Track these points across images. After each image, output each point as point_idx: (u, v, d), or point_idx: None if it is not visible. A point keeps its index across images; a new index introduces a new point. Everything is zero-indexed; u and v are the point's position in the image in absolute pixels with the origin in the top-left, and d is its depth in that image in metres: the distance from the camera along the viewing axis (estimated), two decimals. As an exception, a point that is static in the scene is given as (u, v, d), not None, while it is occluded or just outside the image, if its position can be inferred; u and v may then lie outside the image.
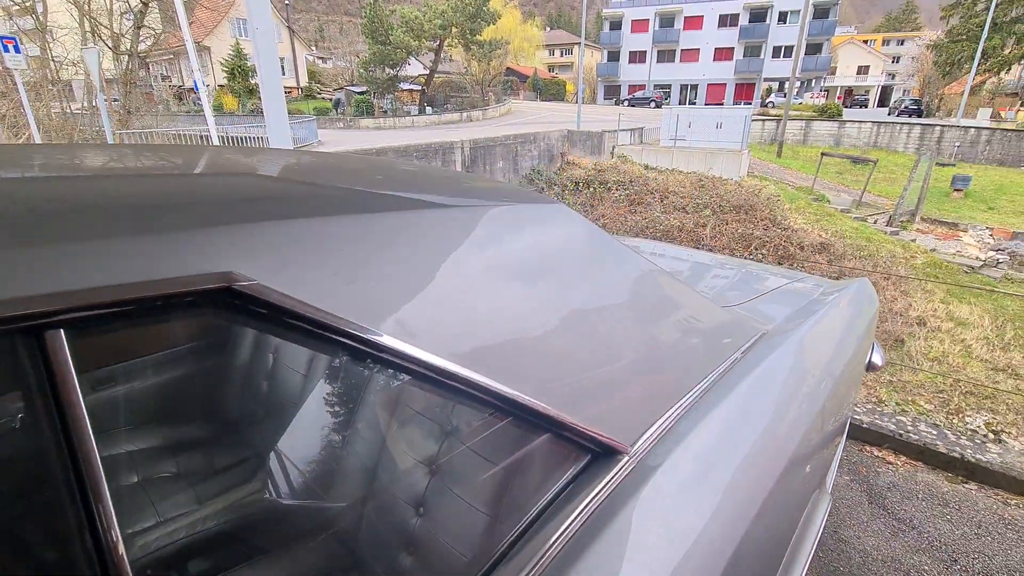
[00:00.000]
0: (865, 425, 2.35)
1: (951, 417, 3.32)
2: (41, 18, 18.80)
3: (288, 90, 40.84)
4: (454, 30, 27.86)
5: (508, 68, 49.76)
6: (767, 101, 38.99)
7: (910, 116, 33.06)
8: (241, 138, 15.37)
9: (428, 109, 28.73)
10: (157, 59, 36.28)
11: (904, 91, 51.95)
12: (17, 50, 12.36)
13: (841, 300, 1.61)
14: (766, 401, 0.98)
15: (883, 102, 50.30)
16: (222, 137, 14.56)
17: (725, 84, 45.09)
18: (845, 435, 1.82)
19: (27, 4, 19.91)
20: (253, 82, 34.33)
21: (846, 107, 37.71)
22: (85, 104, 20.48)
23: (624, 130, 17.16)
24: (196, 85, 24.42)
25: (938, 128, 26.85)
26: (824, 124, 28.20)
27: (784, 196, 15.00)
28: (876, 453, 2.24)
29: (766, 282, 1.78)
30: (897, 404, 3.11)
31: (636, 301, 0.90)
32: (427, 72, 29.96)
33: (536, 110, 34.28)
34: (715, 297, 1.57)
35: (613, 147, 16.57)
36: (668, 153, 16.03)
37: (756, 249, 12.25)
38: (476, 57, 29.42)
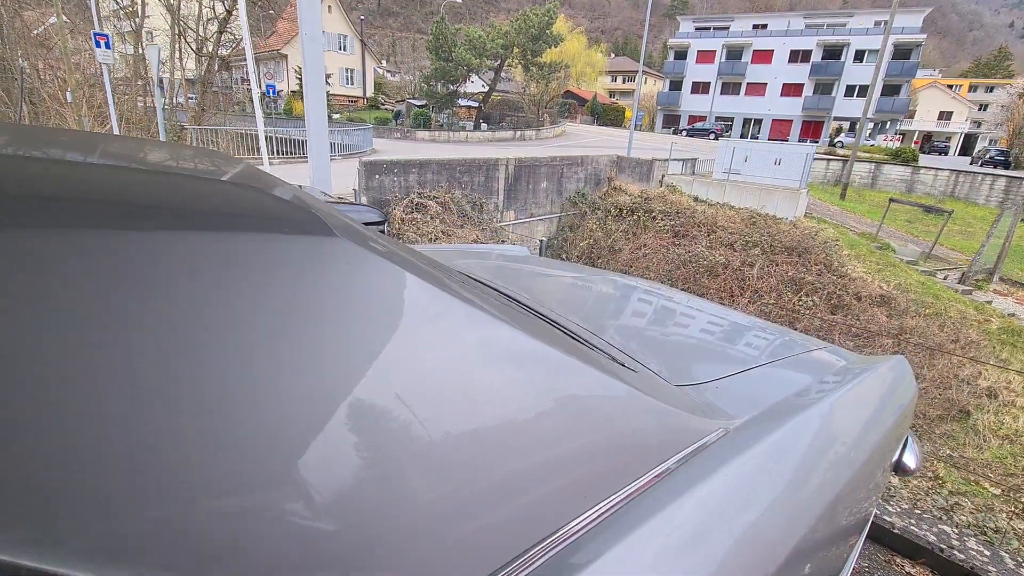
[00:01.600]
0: (897, 529, 1.92)
1: (1015, 520, 2.76)
2: (138, 20, 20.37)
3: (354, 99, 42.69)
4: (515, 51, 28.29)
5: (568, 91, 50.12)
6: (836, 140, 37.25)
7: (995, 167, 30.65)
8: (292, 139, 15.95)
9: (483, 125, 29.16)
10: (239, 64, 38.87)
11: (991, 140, 48.48)
12: (108, 46, 13.24)
13: (865, 382, 1.25)
14: (713, 534, 0.67)
15: (965, 151, 47.14)
16: (270, 137, 15.15)
17: (792, 121, 43.56)
18: (863, 537, 1.43)
19: (132, 8, 21.72)
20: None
21: (923, 153, 35.52)
22: (166, 101, 21.98)
23: (676, 159, 16.66)
24: (257, 88, 25.83)
25: (1027, 182, 24.72)
26: (896, 168, 26.54)
27: (844, 241, 14.04)
28: (908, 569, 1.81)
29: (769, 348, 1.44)
30: (953, 485, 2.59)
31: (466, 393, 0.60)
32: (485, 90, 30.49)
33: (591, 134, 34.16)
34: (687, 359, 1.26)
35: (663, 176, 16.10)
36: (720, 186, 15.41)
37: (807, 295, 11.44)
38: (535, 78, 29.72)
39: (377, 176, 10.53)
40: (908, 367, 1.42)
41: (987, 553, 1.88)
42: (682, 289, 12.47)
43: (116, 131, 14.78)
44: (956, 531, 1.99)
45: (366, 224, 3.56)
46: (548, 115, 31.91)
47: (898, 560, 1.86)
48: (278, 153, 15.45)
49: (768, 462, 0.83)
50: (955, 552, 1.83)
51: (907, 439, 1.41)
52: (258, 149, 11.51)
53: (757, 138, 41.78)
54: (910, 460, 1.38)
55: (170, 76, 22.56)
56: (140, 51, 21.36)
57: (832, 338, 10.67)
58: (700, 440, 0.78)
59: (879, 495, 1.43)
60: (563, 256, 14.78)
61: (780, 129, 43.86)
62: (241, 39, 23.12)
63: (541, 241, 11.16)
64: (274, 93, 23.22)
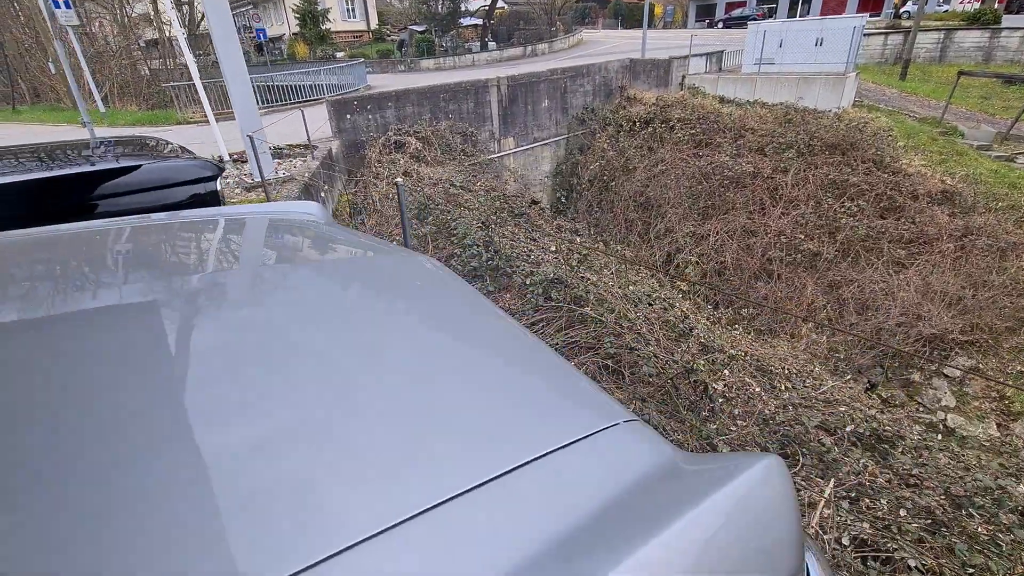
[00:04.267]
0: None
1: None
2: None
3: (358, 34, 40.44)
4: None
5: (588, -7, 45.37)
6: (901, 11, 31.95)
7: (1103, 17, 25.46)
8: (279, 87, 14.96)
9: (490, 45, 26.84)
10: (239, 11, 37.17)
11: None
12: (68, 5, 12.46)
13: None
14: None
15: (1066, 2, 39.68)
16: (261, 87, 14.25)
17: (847, -8, 37.74)
18: None
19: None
20: (324, 28, 34.18)
21: (1008, 13, 30.05)
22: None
23: (697, 55, 14.53)
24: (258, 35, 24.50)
25: None
26: (971, 34, 22.37)
27: (900, 130, 12.02)
28: None
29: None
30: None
31: None
32: (488, 4, 27.76)
33: (613, 39, 30.94)
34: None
35: (683, 77, 14.15)
36: (750, 82, 13.38)
37: (851, 200, 9.92)
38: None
39: (348, 116, 9.58)
40: (783, 471, 0.61)
41: None
42: (704, 207, 11.20)
43: (99, 102, 14.33)
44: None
45: (181, 184, 2.73)
46: (562, 23, 28.93)
47: None
48: (266, 102, 14.58)
49: None
50: None
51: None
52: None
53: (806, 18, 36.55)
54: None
55: (159, 35, 21.68)
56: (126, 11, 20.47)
57: (880, 247, 9.28)
58: None
59: None
60: (574, 181, 13.56)
61: (834, 5, 38.21)
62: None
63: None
64: (265, 38, 21.97)
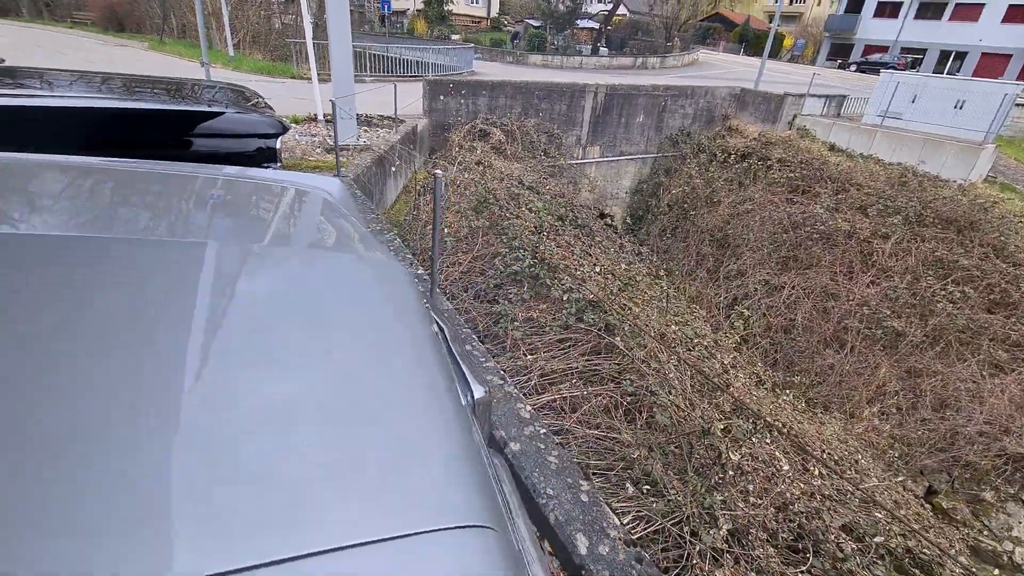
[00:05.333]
0: None
1: None
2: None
3: (477, 20, 41.40)
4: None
5: (717, 13, 43.67)
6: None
7: None
8: (389, 58, 15.51)
9: (602, 49, 26.47)
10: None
11: None
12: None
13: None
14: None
15: None
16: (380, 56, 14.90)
17: (1010, 56, 33.77)
18: None
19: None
20: (446, 8, 35.24)
21: None
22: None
23: (816, 96, 13.52)
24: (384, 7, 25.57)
25: None
26: None
27: (1036, 218, 10.58)
28: None
29: None
30: None
31: None
32: (608, 8, 27.36)
33: (730, 63, 29.59)
34: None
35: (794, 116, 13.23)
36: (869, 134, 12.28)
37: (955, 284, 8.87)
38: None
39: (442, 97, 9.78)
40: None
41: None
42: (785, 257, 10.39)
43: (230, 47, 15.53)
44: None
45: (250, 136, 2.85)
46: (679, 40, 28.01)
47: None
48: (374, 71, 15.20)
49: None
50: None
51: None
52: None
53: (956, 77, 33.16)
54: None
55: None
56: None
57: (978, 344, 8.23)
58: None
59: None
60: (652, 203, 13.11)
61: (990, 67, 34.30)
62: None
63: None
64: (389, 10, 22.92)
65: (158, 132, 3.49)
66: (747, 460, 3.44)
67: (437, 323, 1.44)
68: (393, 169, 6.48)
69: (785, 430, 4.50)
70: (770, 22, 48.41)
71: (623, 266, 5.29)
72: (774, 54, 38.96)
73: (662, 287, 5.49)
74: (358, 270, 1.11)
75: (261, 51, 18.90)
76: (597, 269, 4.42)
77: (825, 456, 4.44)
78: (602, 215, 11.03)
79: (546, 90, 10.86)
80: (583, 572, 1.53)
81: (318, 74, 7.90)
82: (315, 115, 8.15)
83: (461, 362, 1.29)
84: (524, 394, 3.65)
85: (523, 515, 1.01)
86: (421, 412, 0.75)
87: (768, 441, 4.12)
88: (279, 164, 3.41)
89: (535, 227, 4.96)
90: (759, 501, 3.47)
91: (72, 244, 0.84)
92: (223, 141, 3.51)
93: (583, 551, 1.57)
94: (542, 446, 2.03)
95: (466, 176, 6.21)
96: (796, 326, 9.12)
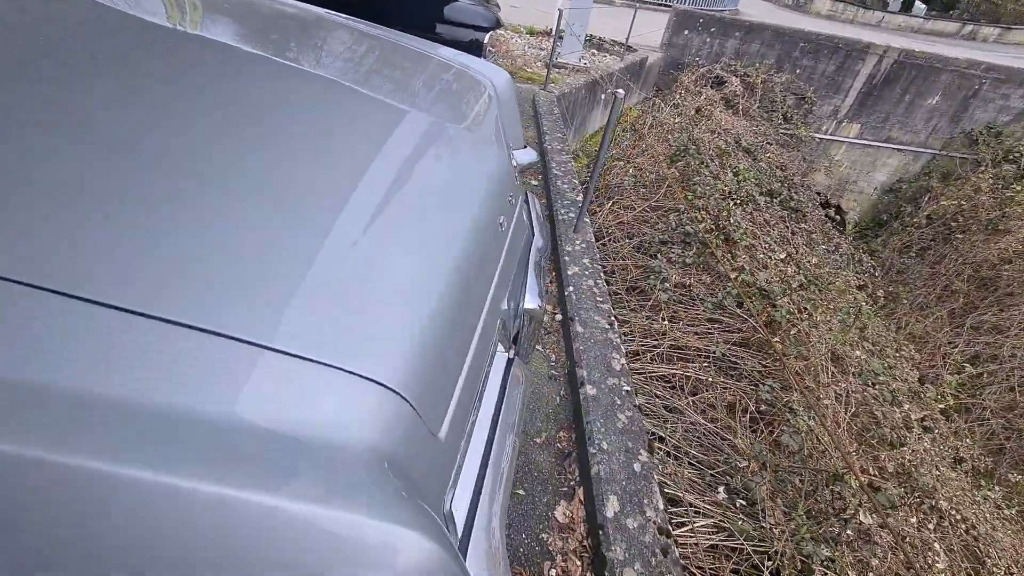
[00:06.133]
0: None
1: None
2: None
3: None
4: None
5: None
6: None
7: None
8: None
9: (919, 6, 20.87)
10: None
11: None
12: None
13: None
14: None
15: None
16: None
17: None
18: None
19: None
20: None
21: None
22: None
23: None
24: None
25: None
26: None
27: None
28: None
29: None
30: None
31: None
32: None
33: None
34: None
35: None
36: None
37: None
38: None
39: (686, 32, 8.87)
40: None
41: None
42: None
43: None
44: None
45: (467, 26, 2.97)
46: (1047, 8, 20.52)
47: None
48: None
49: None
50: None
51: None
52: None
53: None
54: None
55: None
56: None
57: None
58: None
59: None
60: (906, 209, 10.52)
61: None
62: None
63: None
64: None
65: (390, 3, 3.75)
66: (885, 532, 2.79)
67: (530, 228, 1.36)
68: (603, 97, 6.22)
69: (964, 525, 3.52)
70: None
71: (814, 259, 4.40)
72: None
73: (855, 297, 4.47)
74: (461, 149, 1.08)
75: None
76: (782, 256, 3.75)
77: (1005, 561, 3.40)
78: (826, 204, 9.22)
79: (814, 43, 9.09)
80: (600, 532, 1.43)
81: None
82: (551, 29, 8.14)
83: (531, 272, 1.22)
84: (649, 360, 3.43)
85: (512, 432, 0.94)
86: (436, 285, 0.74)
87: (931, 527, 3.29)
88: (483, 59, 3.49)
89: (730, 191, 4.37)
90: (882, 582, 2.84)
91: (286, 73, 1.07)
92: (442, 27, 3.70)
93: (609, 513, 1.46)
94: (618, 401, 1.89)
95: (675, 121, 5.66)
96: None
